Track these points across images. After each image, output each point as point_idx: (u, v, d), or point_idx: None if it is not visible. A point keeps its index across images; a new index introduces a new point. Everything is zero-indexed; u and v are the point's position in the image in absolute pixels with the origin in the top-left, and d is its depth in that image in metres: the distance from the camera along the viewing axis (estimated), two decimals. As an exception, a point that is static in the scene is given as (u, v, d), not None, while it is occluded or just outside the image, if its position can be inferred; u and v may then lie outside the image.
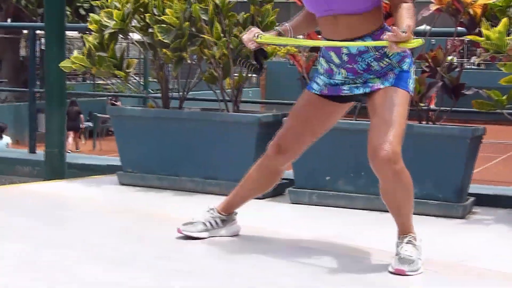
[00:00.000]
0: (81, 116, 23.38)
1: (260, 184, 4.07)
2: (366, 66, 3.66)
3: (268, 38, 3.81)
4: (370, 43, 3.58)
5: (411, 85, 3.68)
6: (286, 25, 3.90)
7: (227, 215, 4.13)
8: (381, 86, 3.64)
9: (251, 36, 3.78)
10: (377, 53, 3.63)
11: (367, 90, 3.68)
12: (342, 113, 3.95)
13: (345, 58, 3.67)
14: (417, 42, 3.37)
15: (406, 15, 3.47)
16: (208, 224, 4.09)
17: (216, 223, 4.10)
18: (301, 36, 4.50)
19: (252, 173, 4.06)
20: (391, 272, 3.49)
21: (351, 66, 3.68)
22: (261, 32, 3.81)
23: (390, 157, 3.49)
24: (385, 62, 3.65)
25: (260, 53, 3.87)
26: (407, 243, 3.58)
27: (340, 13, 3.60)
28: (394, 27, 3.39)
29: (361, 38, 3.61)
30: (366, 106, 3.75)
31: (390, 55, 3.63)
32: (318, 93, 3.82)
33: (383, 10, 3.72)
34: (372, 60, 3.65)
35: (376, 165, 3.53)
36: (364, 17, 3.61)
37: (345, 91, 3.74)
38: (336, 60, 3.71)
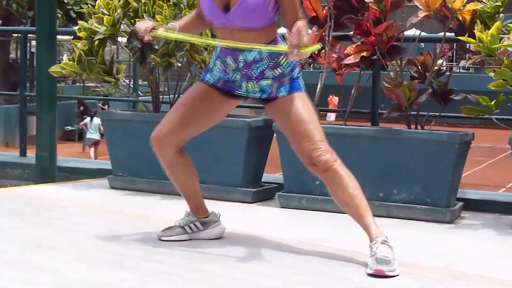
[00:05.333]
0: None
1: (181, 178, 4.07)
2: (259, 74, 3.83)
3: (162, 32, 3.87)
4: (270, 48, 3.70)
5: (303, 86, 3.89)
6: (174, 24, 3.98)
7: (205, 217, 4.16)
8: (278, 95, 3.85)
9: (147, 28, 3.86)
10: (271, 62, 3.81)
11: (264, 96, 3.88)
12: (231, 108, 4.08)
13: (241, 64, 3.83)
14: (315, 47, 3.54)
15: (303, 30, 3.55)
16: (187, 228, 4.12)
17: (196, 226, 4.13)
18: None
19: (168, 174, 4.08)
20: (369, 274, 3.52)
21: (245, 71, 3.84)
22: (154, 26, 3.89)
23: (329, 161, 3.73)
24: (277, 71, 3.83)
25: (149, 47, 3.92)
26: (382, 243, 3.62)
27: (239, 27, 3.74)
28: (293, 30, 3.52)
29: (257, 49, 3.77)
30: (264, 108, 3.97)
31: (282, 63, 3.82)
32: (211, 82, 3.93)
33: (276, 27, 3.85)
34: (266, 68, 3.82)
35: (319, 172, 3.77)
36: (260, 32, 3.77)
37: (240, 92, 3.91)
38: (232, 65, 3.85)
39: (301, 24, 3.60)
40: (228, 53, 3.83)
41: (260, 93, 3.88)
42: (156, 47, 5.36)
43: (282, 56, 3.79)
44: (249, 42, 3.71)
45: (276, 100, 3.86)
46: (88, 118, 22.41)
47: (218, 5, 3.76)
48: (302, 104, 3.81)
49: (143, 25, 3.89)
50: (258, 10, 3.70)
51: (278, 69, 3.82)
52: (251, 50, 3.77)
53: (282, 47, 3.68)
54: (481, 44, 4.56)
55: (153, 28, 3.86)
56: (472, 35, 4.67)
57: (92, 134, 22.01)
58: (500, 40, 4.60)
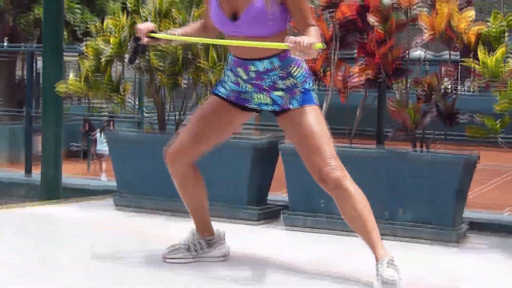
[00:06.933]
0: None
1: (190, 192, 4.07)
2: (271, 84, 3.80)
3: (162, 35, 3.96)
4: (272, 44, 3.63)
5: (316, 98, 3.86)
6: (176, 31, 4.00)
7: (210, 236, 4.14)
8: (290, 107, 3.80)
9: (147, 29, 3.89)
10: (282, 72, 3.77)
11: (276, 108, 3.84)
12: (244, 121, 4.06)
13: (253, 75, 3.81)
14: (318, 45, 3.46)
15: (313, 34, 3.58)
16: (192, 247, 4.10)
17: (201, 245, 4.11)
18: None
19: (178, 189, 4.08)
20: None
21: (257, 82, 3.82)
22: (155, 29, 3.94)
23: (339, 178, 3.69)
24: (289, 82, 3.79)
25: (141, 49, 3.97)
26: (387, 264, 3.62)
27: (248, 35, 3.71)
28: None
29: (268, 58, 3.74)
30: (277, 120, 3.91)
31: (294, 74, 3.78)
32: (224, 97, 3.92)
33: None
34: (277, 78, 3.78)
35: (329, 189, 3.73)
36: (271, 39, 3.68)
37: (253, 105, 3.89)
38: (244, 76, 3.84)
39: (312, 29, 3.60)
40: (239, 64, 3.82)
41: (272, 106, 3.85)
42: (161, 64, 5.37)
43: (293, 66, 3.77)
44: (263, 49, 3.67)
45: (288, 112, 3.81)
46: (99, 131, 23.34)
47: (227, 14, 3.74)
48: (314, 118, 3.77)
49: (144, 25, 3.93)
50: (264, 16, 3.66)
51: (290, 79, 3.79)
52: (262, 60, 3.74)
53: (282, 44, 3.54)
54: (485, 67, 4.56)
55: (153, 31, 3.89)
56: (477, 57, 4.66)
57: (99, 146, 22.74)
58: (505, 60, 4.60)
